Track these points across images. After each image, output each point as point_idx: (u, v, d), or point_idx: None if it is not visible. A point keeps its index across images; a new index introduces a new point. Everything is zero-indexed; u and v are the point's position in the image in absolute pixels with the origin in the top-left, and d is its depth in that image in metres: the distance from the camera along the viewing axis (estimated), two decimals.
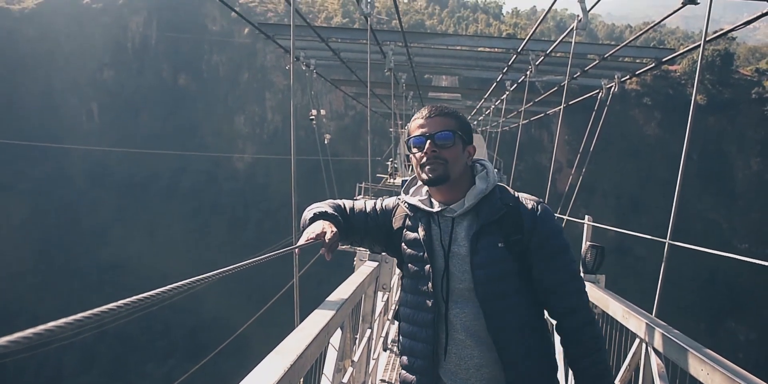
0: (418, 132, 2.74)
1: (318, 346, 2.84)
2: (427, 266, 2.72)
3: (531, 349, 2.69)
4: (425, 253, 2.73)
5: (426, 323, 2.72)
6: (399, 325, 2.93)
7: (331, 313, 3.15)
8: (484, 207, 2.72)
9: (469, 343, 2.67)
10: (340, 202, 3.02)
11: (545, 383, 2.74)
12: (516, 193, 2.82)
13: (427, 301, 2.71)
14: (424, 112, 2.79)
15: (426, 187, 2.86)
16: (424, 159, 2.70)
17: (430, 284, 2.70)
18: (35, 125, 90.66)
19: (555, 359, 2.80)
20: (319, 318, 3.01)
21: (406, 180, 2.96)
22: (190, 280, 1.70)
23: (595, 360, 2.64)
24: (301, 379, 3.08)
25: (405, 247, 2.83)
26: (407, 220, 2.86)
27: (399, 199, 2.98)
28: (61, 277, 77.09)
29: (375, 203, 3.01)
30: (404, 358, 2.84)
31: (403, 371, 2.85)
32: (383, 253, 5.76)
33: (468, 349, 2.67)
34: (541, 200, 2.80)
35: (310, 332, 2.72)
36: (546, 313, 2.82)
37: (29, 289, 74.33)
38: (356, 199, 3.09)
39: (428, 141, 2.69)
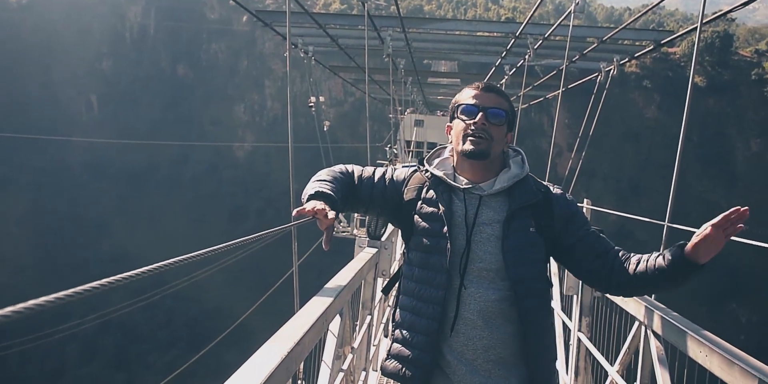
0: (471, 101, 2.72)
1: (316, 332, 2.83)
2: (445, 242, 2.68)
3: (548, 334, 2.80)
4: (445, 229, 2.68)
5: (434, 299, 2.68)
6: (398, 297, 2.90)
7: (330, 299, 3.14)
8: (519, 191, 2.73)
9: (480, 323, 2.64)
10: (349, 168, 2.98)
11: (549, 368, 2.79)
12: (544, 183, 2.87)
13: (440, 278, 2.68)
14: (480, 85, 2.78)
15: (451, 161, 2.85)
16: (472, 128, 2.68)
17: (445, 261, 2.67)
18: (34, 117, 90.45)
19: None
20: (317, 305, 3.00)
21: (407, 166, 2.95)
22: (189, 255, 1.70)
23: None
24: (301, 366, 3.08)
25: (419, 219, 2.78)
26: (424, 191, 2.81)
27: (418, 168, 2.93)
28: (63, 269, 77.06)
29: (384, 173, 2.95)
30: (402, 332, 2.79)
31: (397, 344, 2.81)
32: (383, 235, 5.79)
33: (477, 330, 2.64)
34: (565, 191, 2.89)
35: (308, 319, 2.71)
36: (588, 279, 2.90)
37: (30, 282, 74.32)
38: (365, 167, 3.03)
39: (481, 113, 2.68)
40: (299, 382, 3.94)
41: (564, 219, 2.76)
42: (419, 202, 2.80)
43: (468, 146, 2.69)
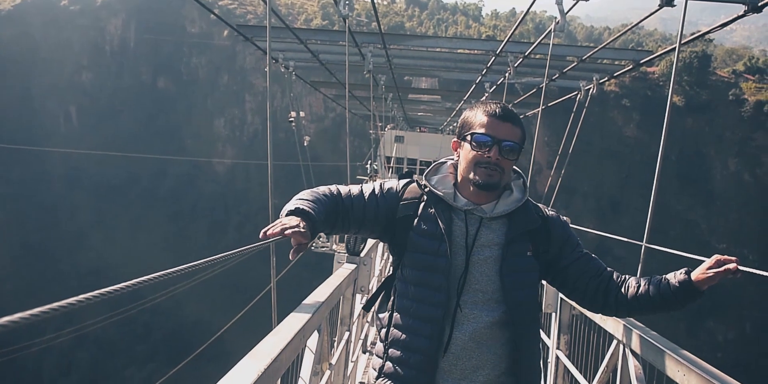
0: (486, 131, 2.66)
1: (293, 349, 2.81)
2: (445, 260, 2.64)
3: (537, 356, 2.80)
4: (445, 248, 2.65)
5: (432, 319, 2.64)
6: (390, 315, 2.80)
7: (308, 316, 3.12)
8: (520, 215, 2.73)
9: (471, 344, 2.62)
10: (334, 188, 2.86)
11: None
12: (539, 205, 2.89)
13: (438, 296, 2.64)
14: (496, 110, 2.71)
15: (451, 179, 2.80)
16: (485, 161, 2.64)
17: (444, 280, 2.64)
18: (13, 128, 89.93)
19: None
20: (294, 321, 2.98)
21: (401, 177, 2.92)
22: (167, 271, 1.68)
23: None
24: (278, 382, 3.06)
25: (416, 236, 2.72)
26: (421, 208, 2.76)
27: (410, 182, 2.88)
28: (41, 281, 76.48)
29: (374, 188, 2.87)
30: (396, 351, 2.72)
31: (390, 364, 2.73)
32: (362, 250, 5.75)
33: (467, 351, 2.62)
34: (558, 213, 2.92)
35: (285, 335, 2.69)
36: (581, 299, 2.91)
37: (8, 294, 73.62)
38: (350, 186, 2.94)
39: (495, 146, 2.63)
40: None
41: (559, 242, 2.78)
42: (416, 219, 2.76)
43: (479, 178, 2.66)
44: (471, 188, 2.72)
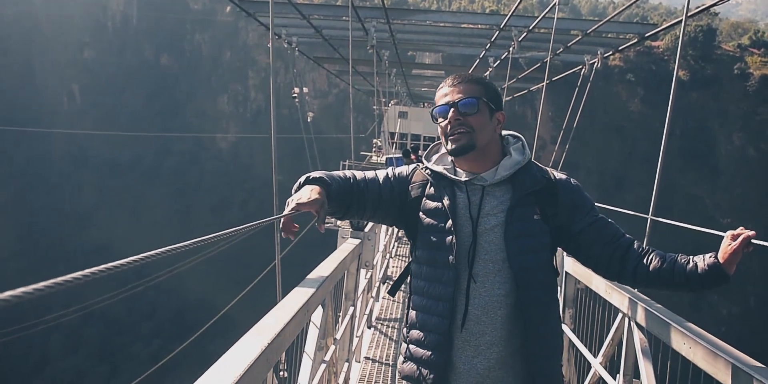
0: (443, 100, 2.66)
1: (297, 323, 2.80)
2: (450, 237, 2.61)
3: (551, 326, 2.70)
4: (450, 223, 2.62)
5: (444, 296, 2.61)
6: (410, 297, 2.82)
7: (312, 290, 3.11)
8: (522, 178, 2.66)
9: (484, 319, 2.58)
10: (349, 172, 2.88)
11: (551, 362, 2.72)
12: (547, 168, 2.80)
13: (447, 274, 2.61)
14: (449, 80, 2.71)
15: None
16: (449, 128, 2.62)
17: (452, 256, 2.60)
18: (16, 108, 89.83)
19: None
20: (299, 296, 2.98)
21: (391, 157, 2.90)
22: (172, 247, 1.66)
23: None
24: (282, 357, 3.05)
25: (424, 216, 2.71)
26: (427, 188, 2.75)
27: (418, 166, 2.86)
28: (46, 260, 76.72)
29: (388, 172, 2.87)
30: (415, 332, 2.73)
31: (412, 346, 2.73)
32: (366, 226, 5.74)
33: (481, 326, 2.58)
34: (570, 176, 2.81)
35: (290, 310, 2.68)
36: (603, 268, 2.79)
37: (13, 273, 73.87)
38: (366, 171, 2.93)
39: (452, 109, 2.61)
40: (281, 373, 3.91)
41: (569, 205, 2.70)
42: (423, 199, 2.74)
43: (450, 145, 2.64)
44: (463, 159, 2.69)
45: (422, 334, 2.68)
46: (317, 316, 3.68)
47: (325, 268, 3.84)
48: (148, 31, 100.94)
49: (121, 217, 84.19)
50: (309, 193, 2.53)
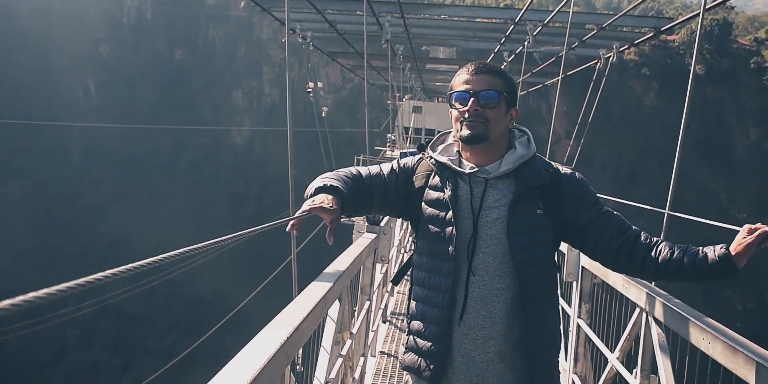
0: (463, 87, 2.65)
1: (315, 318, 2.80)
2: (451, 228, 2.62)
3: (550, 322, 2.71)
4: (450, 214, 2.63)
5: (443, 288, 2.62)
6: (411, 288, 2.83)
7: (329, 285, 3.12)
8: (526, 172, 2.66)
9: (483, 312, 2.59)
10: (354, 169, 2.89)
11: (550, 358, 2.72)
12: (551, 162, 2.80)
13: (447, 265, 2.62)
14: (471, 67, 2.70)
15: (456, 147, 2.79)
16: (466, 115, 2.62)
17: (451, 248, 2.61)
18: (32, 103, 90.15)
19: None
20: (316, 290, 2.98)
21: (405, 152, 2.90)
22: (188, 248, 1.68)
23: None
24: (299, 351, 3.06)
25: (426, 206, 2.73)
26: (431, 178, 2.76)
27: (423, 156, 2.87)
28: (62, 255, 77.06)
29: (392, 165, 2.89)
30: (416, 323, 2.75)
31: (412, 337, 2.76)
32: (382, 220, 5.74)
33: (479, 319, 2.59)
34: (575, 170, 2.80)
35: (307, 304, 2.68)
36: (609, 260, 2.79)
37: (29, 268, 74.31)
38: (370, 166, 2.97)
39: (472, 98, 2.62)
40: (297, 367, 3.93)
41: (574, 200, 2.70)
42: (426, 189, 2.75)
43: (464, 131, 2.63)
44: (470, 150, 2.70)
45: (423, 325, 2.71)
46: (334, 310, 3.69)
47: (342, 263, 3.84)
48: (162, 27, 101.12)
49: (137, 212, 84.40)
50: (326, 200, 2.56)
